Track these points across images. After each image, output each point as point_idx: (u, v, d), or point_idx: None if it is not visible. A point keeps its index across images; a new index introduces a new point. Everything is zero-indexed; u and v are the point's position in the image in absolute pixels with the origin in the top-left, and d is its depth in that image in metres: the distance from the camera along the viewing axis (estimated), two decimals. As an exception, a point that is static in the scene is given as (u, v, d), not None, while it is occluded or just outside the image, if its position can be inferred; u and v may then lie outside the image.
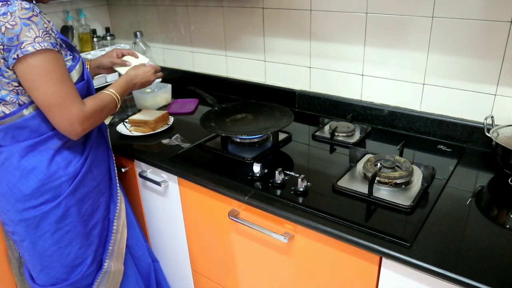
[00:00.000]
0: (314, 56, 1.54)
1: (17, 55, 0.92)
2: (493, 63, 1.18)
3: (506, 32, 1.13)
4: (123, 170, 1.42)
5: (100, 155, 1.21)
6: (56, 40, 0.99)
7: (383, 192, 1.05)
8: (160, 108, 1.72)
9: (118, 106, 1.17)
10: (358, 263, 0.96)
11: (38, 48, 0.93)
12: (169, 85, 1.78)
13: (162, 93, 1.74)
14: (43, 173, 1.08)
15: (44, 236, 1.12)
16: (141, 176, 1.38)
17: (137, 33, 1.93)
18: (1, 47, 0.93)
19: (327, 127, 1.45)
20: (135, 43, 1.96)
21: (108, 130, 1.28)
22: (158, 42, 2.04)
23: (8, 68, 0.97)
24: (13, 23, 0.91)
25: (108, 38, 2.06)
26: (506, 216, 0.99)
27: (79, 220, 1.15)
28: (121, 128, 1.50)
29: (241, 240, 1.20)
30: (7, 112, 1.04)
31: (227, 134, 1.31)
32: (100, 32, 2.10)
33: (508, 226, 0.94)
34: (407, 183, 1.08)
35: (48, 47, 0.95)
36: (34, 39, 0.92)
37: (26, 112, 1.04)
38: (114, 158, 1.27)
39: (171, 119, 1.56)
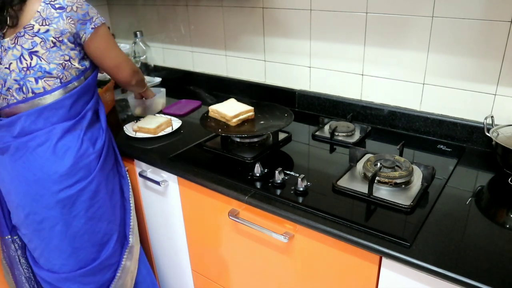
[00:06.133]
0: (314, 56, 1.54)
1: (94, 26, 1.14)
2: (493, 63, 1.18)
3: (506, 32, 1.13)
4: (123, 169, 1.42)
5: (109, 137, 1.29)
6: None
7: (383, 192, 1.05)
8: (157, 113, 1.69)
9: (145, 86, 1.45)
10: (358, 263, 0.96)
11: (102, 22, 1.17)
12: (163, 90, 1.69)
13: (157, 98, 1.65)
14: (76, 152, 1.15)
15: (78, 215, 1.17)
16: (141, 175, 1.38)
17: (137, 32, 1.93)
18: (72, 22, 1.10)
19: (327, 127, 1.45)
20: (135, 42, 1.96)
21: None
22: (158, 42, 2.04)
23: (72, 42, 1.12)
24: (80, 3, 1.12)
25: (108, 37, 2.06)
26: (506, 216, 0.99)
27: (107, 195, 1.22)
28: (126, 130, 1.50)
29: (241, 240, 1.20)
30: (48, 88, 1.12)
31: (227, 134, 1.31)
32: (100, 31, 2.10)
33: (508, 226, 0.94)
34: (407, 183, 1.08)
35: (104, 22, 1.18)
36: (97, 14, 1.16)
37: (64, 91, 1.14)
38: (114, 140, 1.34)
39: (177, 122, 1.54)
